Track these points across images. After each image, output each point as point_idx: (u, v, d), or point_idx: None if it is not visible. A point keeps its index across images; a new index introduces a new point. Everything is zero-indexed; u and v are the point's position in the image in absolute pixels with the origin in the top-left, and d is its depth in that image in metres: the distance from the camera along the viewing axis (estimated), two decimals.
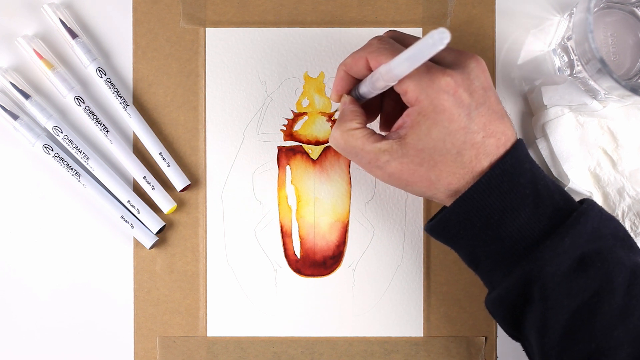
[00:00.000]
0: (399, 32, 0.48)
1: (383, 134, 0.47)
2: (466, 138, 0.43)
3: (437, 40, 0.37)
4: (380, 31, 0.55)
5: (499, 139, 0.44)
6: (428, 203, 0.55)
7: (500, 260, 0.44)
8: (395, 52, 0.43)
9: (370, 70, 0.46)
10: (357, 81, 0.48)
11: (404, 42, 0.46)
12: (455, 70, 0.43)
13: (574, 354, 0.43)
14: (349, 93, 0.48)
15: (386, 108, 0.50)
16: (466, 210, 0.44)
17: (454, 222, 0.45)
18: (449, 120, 0.43)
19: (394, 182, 0.45)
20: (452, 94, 0.43)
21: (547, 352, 0.44)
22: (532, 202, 0.43)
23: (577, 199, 0.46)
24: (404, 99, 0.44)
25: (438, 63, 0.45)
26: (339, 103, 0.49)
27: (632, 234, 0.52)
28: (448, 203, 0.45)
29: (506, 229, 0.44)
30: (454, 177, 0.44)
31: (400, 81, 0.43)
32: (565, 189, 0.53)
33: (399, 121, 0.45)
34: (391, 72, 0.41)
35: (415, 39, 0.47)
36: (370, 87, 0.45)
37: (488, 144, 0.43)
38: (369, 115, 0.50)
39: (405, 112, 0.44)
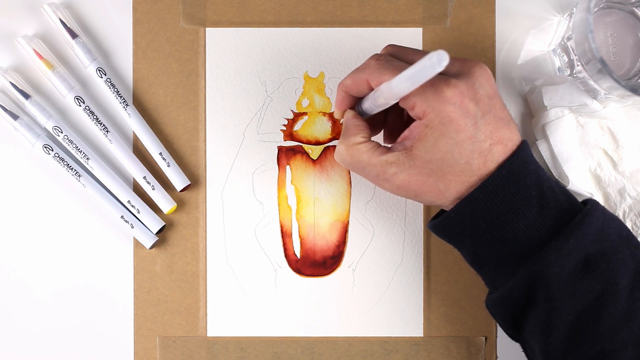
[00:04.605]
0: (398, 46, 0.48)
1: (388, 145, 0.46)
2: (474, 147, 0.43)
3: (436, 62, 0.37)
4: (380, 31, 0.55)
5: (505, 145, 0.44)
6: None
7: (504, 261, 0.44)
8: (395, 70, 0.43)
9: (371, 89, 0.46)
10: (359, 98, 0.48)
11: (402, 56, 0.46)
12: (460, 79, 0.43)
13: (578, 356, 0.43)
14: (352, 108, 0.49)
15: (390, 121, 0.50)
16: (471, 211, 0.44)
17: (458, 222, 0.45)
18: (456, 130, 0.43)
19: (402, 194, 0.45)
20: (458, 105, 0.43)
21: (551, 353, 0.44)
22: (537, 204, 0.43)
23: (578, 199, 0.46)
24: (412, 113, 0.44)
25: (443, 73, 0.44)
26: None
27: None
28: None
29: (511, 230, 0.43)
30: (463, 185, 0.44)
31: (406, 97, 0.43)
32: None
33: (405, 132, 0.45)
34: (392, 91, 0.42)
35: (413, 51, 0.47)
36: (373, 105, 0.45)
37: (495, 151, 0.43)
38: (373, 129, 0.50)
39: (413, 124, 0.44)
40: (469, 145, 0.43)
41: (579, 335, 0.43)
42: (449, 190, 0.44)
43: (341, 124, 0.53)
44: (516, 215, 0.43)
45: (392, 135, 0.50)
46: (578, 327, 0.43)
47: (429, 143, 0.43)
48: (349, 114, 0.48)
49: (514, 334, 0.47)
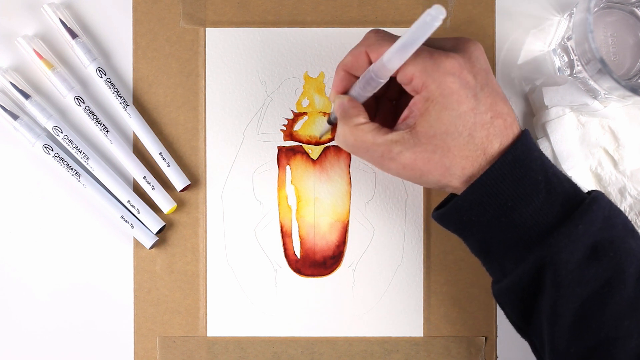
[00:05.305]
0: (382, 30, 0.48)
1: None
2: (476, 119, 0.43)
3: (435, 15, 0.37)
4: None
5: (505, 120, 0.44)
6: (428, 203, 0.55)
7: (513, 247, 0.44)
8: (393, 40, 0.43)
9: (370, 64, 0.45)
10: (354, 83, 0.47)
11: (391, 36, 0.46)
12: (456, 53, 0.44)
13: (583, 343, 0.43)
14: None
15: (382, 112, 0.50)
16: (479, 197, 0.44)
17: (466, 209, 0.45)
18: (458, 102, 0.43)
19: (408, 174, 0.45)
20: (458, 76, 0.43)
21: (557, 340, 0.44)
22: (544, 189, 0.43)
23: None
24: (409, 87, 0.44)
25: (438, 48, 0.45)
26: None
27: None
28: (462, 190, 0.45)
29: (519, 215, 0.43)
30: (468, 160, 0.43)
31: (404, 69, 0.43)
32: None
33: (405, 112, 0.45)
34: (390, 61, 0.41)
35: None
36: (364, 84, 0.45)
37: (497, 125, 0.43)
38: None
39: (412, 102, 0.44)
40: (471, 117, 0.43)
41: (583, 322, 0.43)
42: (455, 166, 0.44)
43: (331, 123, 0.52)
44: (524, 200, 0.43)
45: (387, 125, 0.50)
46: (583, 314, 0.43)
47: (432, 117, 0.43)
48: (344, 98, 0.47)
49: (522, 325, 0.47)
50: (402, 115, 0.45)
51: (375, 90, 0.45)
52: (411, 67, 0.43)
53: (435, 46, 0.45)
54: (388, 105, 0.50)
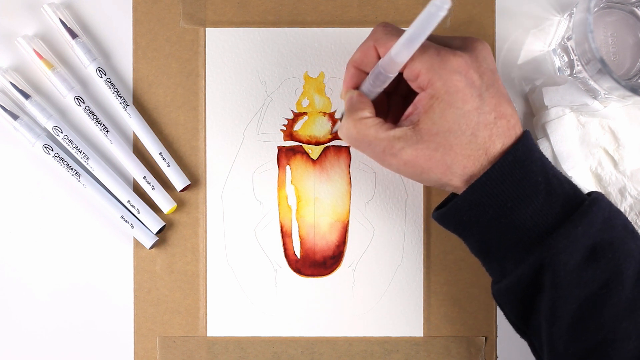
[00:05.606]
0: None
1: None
2: (479, 119, 0.43)
3: (440, 5, 0.37)
4: None
5: (508, 121, 0.44)
6: (428, 203, 0.55)
7: (513, 248, 0.44)
8: (401, 34, 0.43)
9: (379, 58, 0.45)
10: (364, 80, 0.48)
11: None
12: (464, 52, 0.44)
13: (581, 345, 0.43)
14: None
15: (393, 109, 0.50)
16: (479, 197, 0.44)
17: (465, 209, 0.45)
18: (463, 101, 0.43)
19: (409, 171, 0.45)
20: (464, 75, 0.43)
21: (555, 341, 0.44)
22: (544, 190, 0.43)
23: None
24: (415, 84, 0.44)
25: (446, 46, 0.45)
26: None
27: None
28: (462, 190, 0.45)
29: (519, 216, 0.43)
30: (469, 159, 0.44)
31: (411, 66, 0.43)
32: None
33: (410, 108, 0.45)
34: (398, 55, 0.42)
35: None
36: (374, 79, 0.45)
37: (500, 125, 0.44)
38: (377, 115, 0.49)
39: (417, 98, 0.44)
40: (475, 116, 0.43)
41: (581, 324, 0.43)
42: (456, 165, 0.44)
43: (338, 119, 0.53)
44: (524, 201, 0.43)
45: (397, 121, 0.50)
46: (581, 316, 0.43)
47: (436, 115, 0.43)
48: (353, 93, 0.47)
49: (521, 325, 0.47)
50: (406, 111, 0.45)
51: (384, 85, 0.45)
52: (418, 64, 0.43)
53: (442, 44, 0.45)
54: (400, 102, 0.50)
